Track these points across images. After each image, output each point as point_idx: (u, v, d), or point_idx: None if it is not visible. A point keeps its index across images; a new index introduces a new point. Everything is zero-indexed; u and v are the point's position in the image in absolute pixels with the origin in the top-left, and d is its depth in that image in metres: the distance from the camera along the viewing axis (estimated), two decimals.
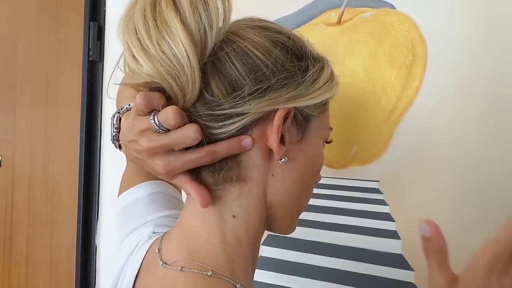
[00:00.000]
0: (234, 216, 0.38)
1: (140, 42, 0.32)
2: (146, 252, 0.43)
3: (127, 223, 0.52)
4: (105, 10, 1.04)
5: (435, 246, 0.32)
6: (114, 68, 0.36)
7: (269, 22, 0.39)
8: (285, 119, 0.36)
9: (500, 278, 0.30)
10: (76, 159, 1.06)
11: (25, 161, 1.22)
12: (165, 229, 0.47)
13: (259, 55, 0.35)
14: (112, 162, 1.03)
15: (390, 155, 0.65)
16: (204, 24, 0.33)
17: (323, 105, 0.41)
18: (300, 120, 0.38)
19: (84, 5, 1.04)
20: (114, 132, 0.38)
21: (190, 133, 0.33)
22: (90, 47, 1.03)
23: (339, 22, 0.70)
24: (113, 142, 0.39)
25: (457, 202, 0.61)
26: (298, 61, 0.37)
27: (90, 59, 1.03)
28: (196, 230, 0.39)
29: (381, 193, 0.66)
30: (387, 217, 0.65)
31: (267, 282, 0.72)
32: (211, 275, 0.36)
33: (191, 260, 0.37)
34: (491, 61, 0.59)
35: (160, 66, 0.32)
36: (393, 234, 0.64)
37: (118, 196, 0.57)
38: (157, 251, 0.41)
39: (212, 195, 0.37)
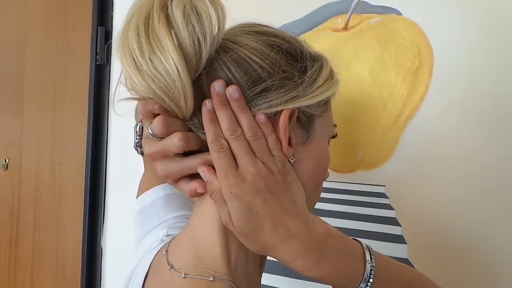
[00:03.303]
0: None
1: (134, 60, 0.33)
2: (156, 254, 0.44)
3: (145, 223, 0.54)
4: (112, 15, 1.05)
5: None
6: (117, 84, 0.37)
7: (265, 26, 0.40)
8: (289, 120, 0.36)
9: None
10: (83, 161, 1.07)
11: (32, 163, 1.23)
12: (178, 231, 0.48)
13: (256, 59, 0.36)
14: (118, 165, 1.04)
15: (396, 160, 0.66)
16: (198, 35, 0.33)
17: (325, 104, 0.41)
18: (304, 121, 0.38)
19: (92, 9, 1.05)
20: (137, 139, 0.40)
21: (175, 141, 0.35)
22: (97, 51, 1.04)
23: (345, 28, 0.70)
24: (135, 149, 0.41)
25: (463, 206, 0.61)
26: (295, 62, 0.38)
27: (97, 63, 1.05)
28: (202, 234, 0.39)
29: (387, 198, 0.66)
30: (393, 221, 0.65)
31: (270, 285, 0.72)
32: (213, 280, 0.37)
33: (196, 266, 0.38)
34: (497, 66, 0.60)
35: (153, 83, 0.33)
36: (399, 239, 0.65)
37: (136, 198, 0.58)
38: (164, 252, 0.42)
39: None
